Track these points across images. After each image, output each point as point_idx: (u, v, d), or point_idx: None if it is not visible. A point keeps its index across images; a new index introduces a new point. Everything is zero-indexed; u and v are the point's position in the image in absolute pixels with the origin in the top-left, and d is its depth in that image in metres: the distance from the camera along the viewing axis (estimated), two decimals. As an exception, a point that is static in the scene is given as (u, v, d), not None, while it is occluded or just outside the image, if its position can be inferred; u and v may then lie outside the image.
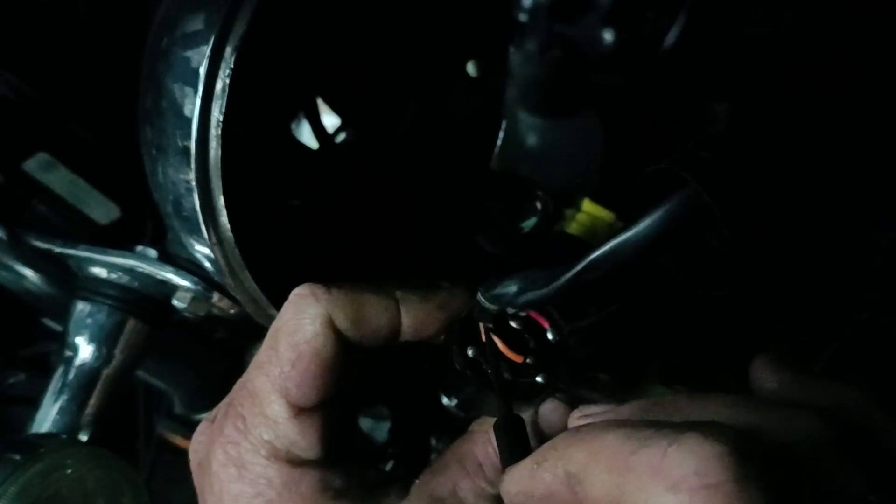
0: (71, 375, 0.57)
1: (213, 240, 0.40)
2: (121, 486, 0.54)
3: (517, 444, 0.35)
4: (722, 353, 0.62)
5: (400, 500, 0.40)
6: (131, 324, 0.57)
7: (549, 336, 0.42)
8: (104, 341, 0.57)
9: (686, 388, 0.49)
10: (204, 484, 0.40)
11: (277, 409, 0.37)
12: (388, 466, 0.51)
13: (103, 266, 0.56)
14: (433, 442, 0.53)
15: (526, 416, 0.38)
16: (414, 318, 0.40)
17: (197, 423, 0.43)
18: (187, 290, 0.55)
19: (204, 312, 0.57)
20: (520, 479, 0.32)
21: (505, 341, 0.41)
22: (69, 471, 0.51)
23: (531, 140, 0.66)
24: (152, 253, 0.55)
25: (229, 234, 0.39)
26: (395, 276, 0.41)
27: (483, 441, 0.41)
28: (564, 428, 0.41)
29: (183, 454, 0.43)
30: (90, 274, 0.56)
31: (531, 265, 0.37)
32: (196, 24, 0.37)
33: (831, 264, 0.64)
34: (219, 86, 0.37)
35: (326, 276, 0.40)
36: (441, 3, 0.50)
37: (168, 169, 0.40)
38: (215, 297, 0.55)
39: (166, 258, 0.55)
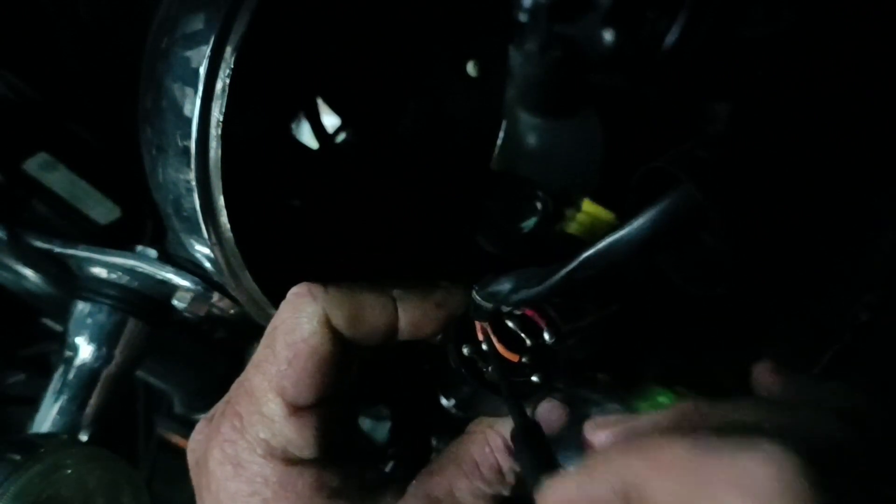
0: (71, 375, 0.57)
1: (213, 240, 0.40)
2: (121, 486, 0.54)
3: (540, 452, 0.35)
4: (722, 353, 0.62)
5: (397, 500, 0.40)
6: (131, 324, 0.57)
7: (546, 336, 0.41)
8: (104, 341, 0.57)
9: (686, 389, 0.49)
10: (201, 482, 0.40)
11: (274, 408, 0.37)
12: (389, 467, 0.51)
13: (103, 266, 0.56)
14: (434, 442, 0.53)
15: None
16: (411, 316, 0.40)
17: (197, 422, 0.43)
18: (187, 290, 0.55)
19: (204, 312, 0.57)
20: (564, 490, 0.31)
21: (501, 340, 0.41)
22: (69, 471, 0.51)
23: (531, 140, 0.66)
24: (152, 253, 0.55)
25: (229, 234, 0.39)
26: (394, 276, 0.41)
27: (480, 441, 0.41)
28: (562, 428, 0.41)
29: (183, 454, 0.43)
30: (90, 274, 0.56)
31: (531, 265, 0.37)
32: (196, 24, 0.38)
33: (831, 264, 0.64)
34: (219, 86, 0.37)
35: (326, 276, 0.40)
36: (441, 4, 0.50)
37: (168, 169, 0.40)
38: (215, 297, 0.55)
39: (166, 258, 0.55)
